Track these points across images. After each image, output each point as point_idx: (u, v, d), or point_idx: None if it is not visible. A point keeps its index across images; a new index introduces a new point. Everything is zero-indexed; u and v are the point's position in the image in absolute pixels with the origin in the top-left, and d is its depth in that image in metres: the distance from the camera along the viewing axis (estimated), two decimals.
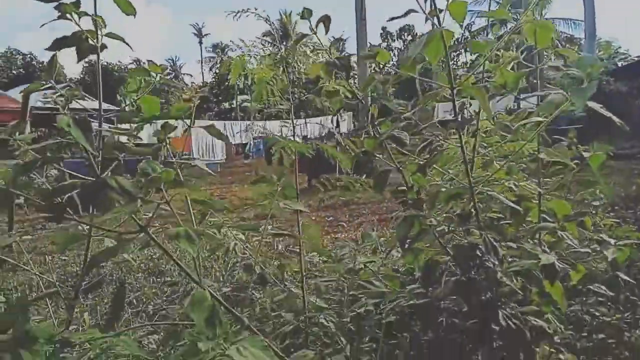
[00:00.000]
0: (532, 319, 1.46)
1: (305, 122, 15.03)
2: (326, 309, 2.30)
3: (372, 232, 2.38)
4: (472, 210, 1.54)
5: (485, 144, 1.98)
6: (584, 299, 2.34)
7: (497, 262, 1.47)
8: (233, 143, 22.81)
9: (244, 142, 23.21)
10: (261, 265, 2.53)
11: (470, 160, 1.66)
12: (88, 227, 1.56)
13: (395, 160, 1.60)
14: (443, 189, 1.62)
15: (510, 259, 1.60)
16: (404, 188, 1.60)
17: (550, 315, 1.58)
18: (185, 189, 1.15)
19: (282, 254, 2.75)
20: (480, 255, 1.48)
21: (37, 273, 1.45)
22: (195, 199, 1.33)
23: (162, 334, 1.61)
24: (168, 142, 1.42)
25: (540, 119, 1.55)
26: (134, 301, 3.86)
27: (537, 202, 1.67)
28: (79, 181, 1.15)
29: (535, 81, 1.76)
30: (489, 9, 2.46)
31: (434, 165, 1.65)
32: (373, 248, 2.35)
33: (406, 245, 1.52)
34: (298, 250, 2.08)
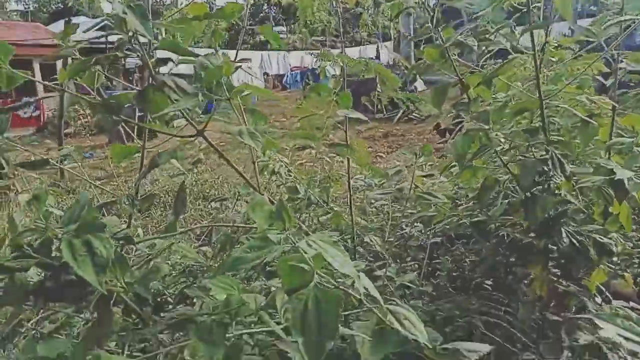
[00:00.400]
0: (597, 236, 1.39)
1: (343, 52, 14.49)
2: (372, 229, 2.30)
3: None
4: (540, 124, 1.44)
5: (554, 59, 1.83)
6: None
7: (563, 179, 1.39)
8: (271, 73, 22.50)
9: (281, 73, 22.81)
10: (306, 186, 2.53)
11: (539, 73, 1.53)
12: (141, 140, 1.56)
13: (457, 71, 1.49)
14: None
15: (575, 178, 1.51)
16: (465, 101, 1.50)
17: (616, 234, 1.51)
18: (237, 91, 1.09)
19: (327, 176, 2.73)
20: (545, 171, 1.40)
21: (96, 184, 1.47)
22: (245, 106, 1.29)
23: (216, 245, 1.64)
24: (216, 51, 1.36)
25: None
26: (183, 221, 4.02)
27: (611, 118, 1.54)
28: (132, 91, 1.13)
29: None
30: None
31: (500, 77, 1.53)
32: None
33: (466, 162, 1.45)
34: (345, 167, 2.03)
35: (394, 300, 1.01)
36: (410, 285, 1.70)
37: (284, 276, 0.78)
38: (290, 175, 2.65)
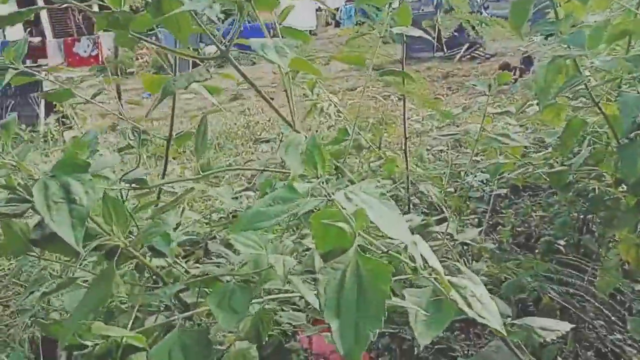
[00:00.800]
0: None
1: None
2: (429, 178, 2.08)
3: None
4: None
5: None
6: None
7: None
8: (324, 8, 21.47)
9: (336, 7, 21.70)
10: (357, 128, 2.33)
11: None
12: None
13: None
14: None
15: None
16: (552, 20, 1.21)
17: None
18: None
19: (380, 118, 2.50)
20: None
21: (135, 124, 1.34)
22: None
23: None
24: None
25: None
26: (233, 163, 3.95)
27: None
28: None
29: None
30: None
31: None
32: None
33: (550, 97, 1.19)
34: (402, 106, 1.80)
35: (455, 266, 0.82)
36: (471, 243, 1.50)
37: (317, 238, 0.61)
38: (340, 117, 2.44)
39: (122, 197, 0.78)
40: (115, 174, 0.78)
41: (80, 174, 0.58)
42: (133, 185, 0.79)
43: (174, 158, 4.26)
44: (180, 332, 0.67)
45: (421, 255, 0.58)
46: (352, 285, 0.53)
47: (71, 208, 0.55)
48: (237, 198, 1.73)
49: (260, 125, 6.15)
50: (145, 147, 1.05)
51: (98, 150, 0.75)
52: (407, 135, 2.06)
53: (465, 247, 1.65)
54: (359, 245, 0.57)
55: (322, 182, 0.54)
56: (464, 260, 1.61)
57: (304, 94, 2.43)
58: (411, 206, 1.97)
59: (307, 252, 0.78)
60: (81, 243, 0.53)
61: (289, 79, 0.90)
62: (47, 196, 0.56)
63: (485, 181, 2.58)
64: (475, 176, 2.22)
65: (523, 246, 2.27)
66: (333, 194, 0.52)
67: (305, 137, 0.85)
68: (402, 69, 1.43)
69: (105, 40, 10.92)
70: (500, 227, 2.46)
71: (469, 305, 0.68)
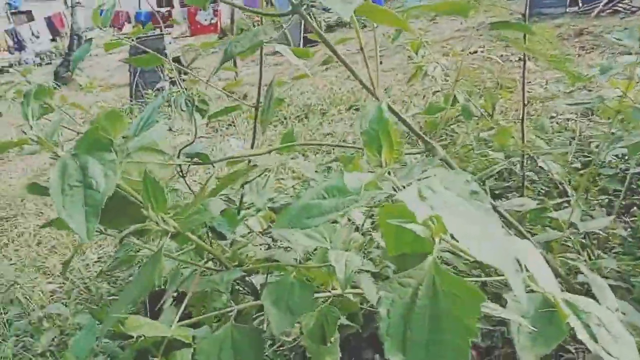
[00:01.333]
0: None
1: None
2: (551, 152, 1.80)
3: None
4: None
5: None
6: None
7: None
8: None
9: None
10: (465, 94, 2.08)
11: None
12: None
13: None
14: None
15: None
16: None
17: None
18: None
19: (496, 82, 2.21)
20: None
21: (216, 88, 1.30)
22: None
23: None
24: None
25: None
26: (333, 131, 3.88)
27: None
28: None
29: None
30: None
31: None
32: None
33: None
34: (522, 68, 1.54)
35: (577, 268, 0.64)
36: (599, 231, 1.24)
37: (387, 238, 0.48)
38: (448, 81, 2.21)
39: (181, 172, 0.72)
40: (175, 148, 0.71)
41: (103, 152, 0.51)
42: (194, 160, 0.72)
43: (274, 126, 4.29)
44: (233, 327, 0.59)
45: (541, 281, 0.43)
46: (424, 313, 0.40)
47: (87, 194, 0.49)
48: (328, 169, 1.63)
49: (365, 91, 5.97)
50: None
51: (158, 121, 0.69)
52: (527, 101, 1.78)
53: (590, 234, 1.39)
54: (440, 254, 0.43)
55: (388, 172, 0.41)
56: (587, 252, 1.35)
57: (408, 56, 2.23)
58: (526, 184, 1.71)
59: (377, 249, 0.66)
60: (93, 234, 0.46)
61: (357, 31, 0.75)
62: (64, 178, 0.50)
63: (621, 156, 2.19)
64: (608, 150, 1.87)
65: None
66: (400, 188, 0.39)
67: (389, 107, 0.71)
68: (525, 19, 1.18)
69: (224, 9, 11.37)
70: (635, 208, 2.08)
71: (593, 338, 0.52)
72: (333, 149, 3.41)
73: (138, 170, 0.60)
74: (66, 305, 2.49)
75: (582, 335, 0.51)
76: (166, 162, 0.64)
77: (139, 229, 0.57)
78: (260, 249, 1.27)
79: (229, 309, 0.63)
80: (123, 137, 0.67)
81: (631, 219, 2.03)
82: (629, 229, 1.82)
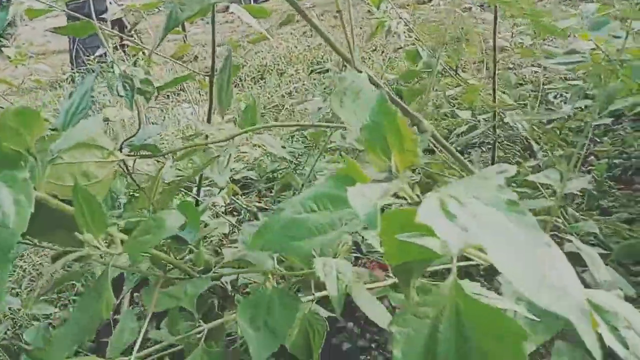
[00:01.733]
0: None
1: None
2: (517, 107, 1.75)
3: None
4: None
5: None
6: None
7: None
8: None
9: None
10: (429, 51, 2.00)
11: None
12: None
13: None
14: None
15: None
16: None
17: None
18: None
19: (460, 35, 2.12)
20: None
21: None
22: None
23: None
24: None
25: None
26: (294, 92, 3.74)
27: None
28: None
29: None
30: None
31: None
32: None
33: None
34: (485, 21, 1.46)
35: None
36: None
37: (388, 250, 0.40)
38: (411, 37, 2.11)
39: (126, 168, 0.60)
40: (116, 141, 0.59)
41: (11, 170, 0.38)
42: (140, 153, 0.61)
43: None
44: (204, 353, 0.50)
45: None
46: (449, 346, 0.32)
47: None
48: (292, 137, 1.52)
49: (324, 48, 5.78)
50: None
51: (92, 106, 0.56)
52: (495, 55, 1.70)
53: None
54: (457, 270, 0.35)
55: (398, 180, 0.31)
56: (561, 212, 1.33)
57: (368, 11, 2.11)
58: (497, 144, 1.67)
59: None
60: (6, 283, 0.35)
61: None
62: None
63: (582, 108, 2.19)
64: (574, 103, 1.84)
65: (619, 180, 1.92)
66: (415, 198, 0.30)
67: (369, 76, 0.61)
68: None
69: None
70: (593, 157, 2.10)
71: (623, 343, 0.46)
72: (295, 108, 3.27)
73: (71, 173, 0.48)
74: (17, 295, 2.32)
75: (610, 341, 0.45)
76: (106, 159, 0.52)
77: (76, 257, 0.46)
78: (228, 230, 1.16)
79: (197, 330, 0.54)
80: (51, 130, 0.54)
81: (588, 168, 2.05)
82: (591, 182, 1.83)
